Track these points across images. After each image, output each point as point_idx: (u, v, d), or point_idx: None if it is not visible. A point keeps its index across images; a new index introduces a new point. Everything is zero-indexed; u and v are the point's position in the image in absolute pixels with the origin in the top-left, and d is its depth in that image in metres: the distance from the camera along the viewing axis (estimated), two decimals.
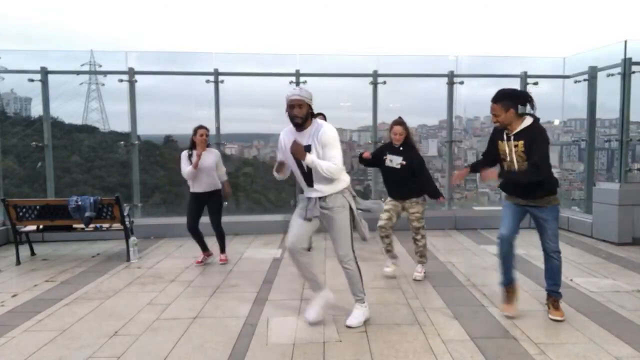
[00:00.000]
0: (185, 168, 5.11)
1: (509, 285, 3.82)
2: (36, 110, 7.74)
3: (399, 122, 4.72)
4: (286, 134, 3.55)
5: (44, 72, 7.07)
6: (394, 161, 4.66)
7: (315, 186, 3.46)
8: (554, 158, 9.27)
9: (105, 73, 7.62)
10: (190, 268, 5.31)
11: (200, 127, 5.20)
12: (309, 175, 3.45)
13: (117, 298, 4.31)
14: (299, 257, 3.58)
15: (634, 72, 6.59)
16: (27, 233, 5.81)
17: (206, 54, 7.64)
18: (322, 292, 3.71)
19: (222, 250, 5.53)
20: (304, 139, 3.40)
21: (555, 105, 8.39)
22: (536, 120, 3.48)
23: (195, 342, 3.33)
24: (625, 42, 6.60)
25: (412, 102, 8.77)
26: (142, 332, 3.51)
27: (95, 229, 5.76)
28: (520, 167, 3.46)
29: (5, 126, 8.22)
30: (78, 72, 7.59)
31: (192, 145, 5.16)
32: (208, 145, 5.26)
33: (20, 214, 5.58)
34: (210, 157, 5.18)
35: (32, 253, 6.00)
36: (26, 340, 3.40)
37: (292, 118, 3.38)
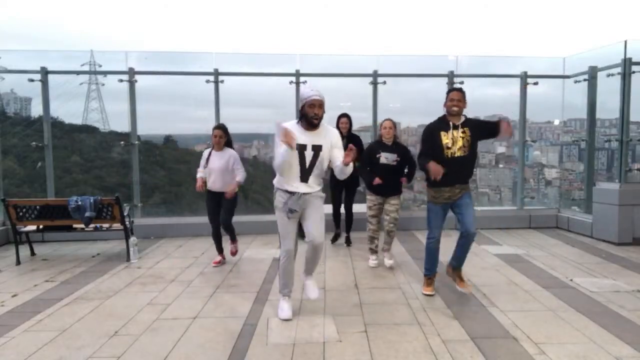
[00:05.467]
0: (198, 171, 5.28)
1: (434, 274, 4.33)
2: (36, 110, 7.74)
3: (388, 119, 5.15)
4: (292, 127, 3.50)
5: (44, 72, 7.07)
6: (390, 159, 4.97)
7: (310, 182, 3.58)
8: (554, 158, 9.28)
9: (105, 73, 7.62)
10: (190, 268, 5.31)
11: (215, 127, 5.20)
12: (307, 172, 3.55)
13: (117, 298, 4.31)
14: (293, 261, 3.71)
15: (634, 72, 6.58)
16: (27, 233, 5.81)
17: (206, 54, 7.62)
18: (289, 296, 3.82)
19: (233, 239, 5.52)
20: (316, 138, 3.52)
21: (555, 105, 8.38)
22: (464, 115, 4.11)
23: (195, 342, 3.33)
24: (625, 42, 6.60)
25: (412, 102, 8.75)
26: (142, 332, 3.51)
27: (95, 229, 5.76)
28: (465, 153, 3.95)
29: (5, 126, 8.21)
30: (78, 72, 7.58)
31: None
32: (228, 144, 5.21)
33: (20, 214, 5.58)
34: (222, 159, 5.12)
35: (32, 253, 6.00)
36: (26, 340, 3.40)
37: (312, 117, 3.43)
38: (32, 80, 7.03)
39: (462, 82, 7.65)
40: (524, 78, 7.78)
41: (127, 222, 5.79)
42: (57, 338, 3.42)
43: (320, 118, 3.47)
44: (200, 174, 5.26)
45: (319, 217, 3.63)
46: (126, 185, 7.54)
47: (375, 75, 7.56)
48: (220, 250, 5.52)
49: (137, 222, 6.71)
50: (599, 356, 3.06)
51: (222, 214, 5.26)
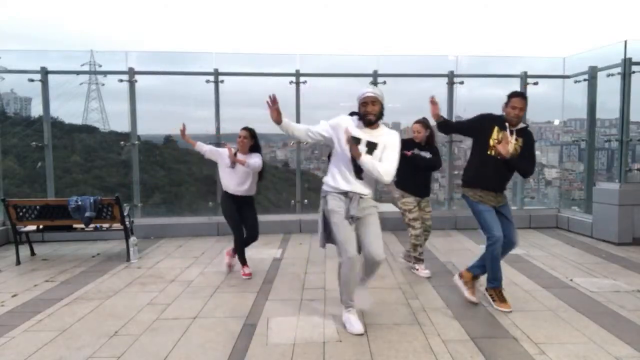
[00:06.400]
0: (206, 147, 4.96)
1: (501, 284, 3.93)
2: (36, 110, 7.75)
3: (419, 120, 4.82)
4: (348, 121, 3.45)
5: (44, 72, 7.07)
6: (424, 154, 4.78)
7: (364, 181, 3.42)
8: (554, 158, 9.28)
9: (105, 73, 7.62)
10: (190, 268, 5.31)
11: (242, 128, 4.80)
12: (360, 169, 3.37)
13: (117, 298, 4.31)
14: (356, 269, 3.44)
15: (634, 72, 6.58)
16: (27, 233, 5.81)
17: (206, 54, 7.62)
18: (353, 307, 3.58)
19: (236, 251, 4.97)
20: (372, 136, 3.40)
21: (555, 105, 8.39)
22: (526, 124, 3.87)
23: (195, 342, 3.33)
24: (625, 42, 6.60)
25: (412, 102, 8.74)
26: (142, 332, 3.51)
27: (95, 229, 5.76)
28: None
29: (5, 126, 8.21)
30: (78, 72, 7.58)
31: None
32: (254, 149, 4.81)
33: (20, 214, 5.58)
34: (249, 160, 4.66)
35: (32, 253, 6.00)
36: (26, 340, 3.40)
37: (365, 115, 3.35)
38: (32, 80, 7.03)
39: (462, 82, 7.66)
40: (524, 78, 7.78)
41: (127, 222, 5.79)
42: (57, 338, 3.42)
43: (375, 115, 3.35)
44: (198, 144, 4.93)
45: (378, 230, 3.44)
46: (126, 185, 7.54)
47: (375, 75, 7.56)
48: (244, 260, 4.92)
49: (137, 222, 6.72)
50: (599, 356, 3.06)
51: (251, 226, 4.84)
